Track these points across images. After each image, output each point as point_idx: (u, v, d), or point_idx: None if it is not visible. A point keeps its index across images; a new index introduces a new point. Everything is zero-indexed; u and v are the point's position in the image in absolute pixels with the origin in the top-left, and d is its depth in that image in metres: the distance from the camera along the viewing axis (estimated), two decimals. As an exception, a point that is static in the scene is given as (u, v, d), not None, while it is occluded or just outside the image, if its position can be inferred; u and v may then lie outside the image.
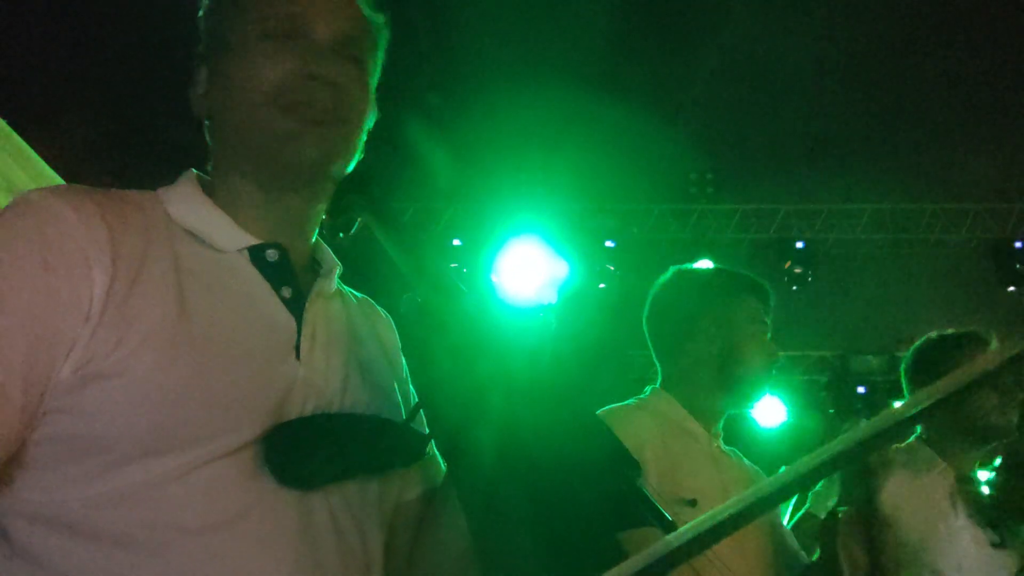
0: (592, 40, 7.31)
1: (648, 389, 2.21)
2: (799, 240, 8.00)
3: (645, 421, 2.04)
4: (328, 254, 1.21)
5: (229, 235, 1.07)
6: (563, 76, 7.53)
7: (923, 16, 6.65)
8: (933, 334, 2.65)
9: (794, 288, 7.91)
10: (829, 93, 7.31)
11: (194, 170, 1.16)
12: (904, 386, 2.71)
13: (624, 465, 0.85)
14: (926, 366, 2.62)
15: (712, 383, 2.12)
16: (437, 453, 1.00)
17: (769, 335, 2.17)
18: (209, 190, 1.12)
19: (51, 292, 0.90)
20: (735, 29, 6.87)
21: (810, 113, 7.40)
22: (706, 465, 2.03)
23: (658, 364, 2.24)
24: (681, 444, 2.04)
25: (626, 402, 2.15)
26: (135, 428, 0.88)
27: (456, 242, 8.05)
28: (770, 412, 8.13)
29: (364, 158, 1.18)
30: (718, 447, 2.12)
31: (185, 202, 1.09)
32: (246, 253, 1.07)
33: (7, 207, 0.97)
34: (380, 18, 1.19)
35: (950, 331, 2.63)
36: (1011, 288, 7.89)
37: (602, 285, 8.18)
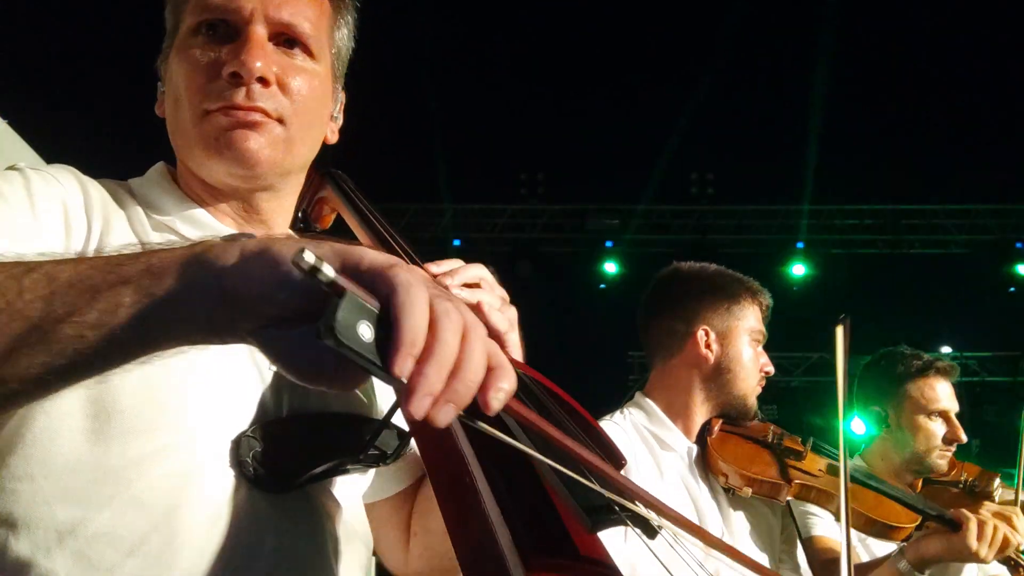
0: (594, 42, 7.31)
1: (635, 393, 2.17)
2: (799, 240, 8.00)
3: (618, 439, 1.96)
4: None
5: (200, 224, 1.05)
6: (565, 77, 7.54)
7: (925, 17, 6.65)
8: (885, 348, 2.66)
9: (795, 289, 7.90)
10: (830, 94, 7.31)
11: (164, 163, 1.14)
12: (854, 392, 2.71)
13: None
14: (870, 379, 2.65)
15: (698, 392, 2.08)
16: (417, 448, 0.98)
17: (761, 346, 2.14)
18: (179, 181, 1.11)
19: (32, 227, 0.91)
20: (736, 30, 6.87)
21: (811, 114, 7.40)
22: (679, 481, 2.00)
23: (649, 362, 2.21)
24: (656, 461, 2.00)
25: (608, 416, 2.09)
26: (76, 409, 0.87)
27: (456, 244, 8.05)
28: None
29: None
30: (695, 458, 2.07)
31: (157, 192, 1.08)
32: None
33: None
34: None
35: (902, 347, 2.64)
36: (1011, 288, 7.89)
37: (602, 285, 8.18)
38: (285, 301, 0.63)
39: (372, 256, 0.64)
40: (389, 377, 0.59)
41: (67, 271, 0.68)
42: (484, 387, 0.63)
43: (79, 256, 0.71)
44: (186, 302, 0.65)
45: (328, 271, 0.59)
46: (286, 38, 1.05)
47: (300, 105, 1.05)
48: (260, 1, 1.03)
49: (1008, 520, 2.10)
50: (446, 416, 0.61)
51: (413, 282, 0.62)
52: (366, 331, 0.59)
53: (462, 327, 0.63)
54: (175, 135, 1.08)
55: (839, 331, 1.86)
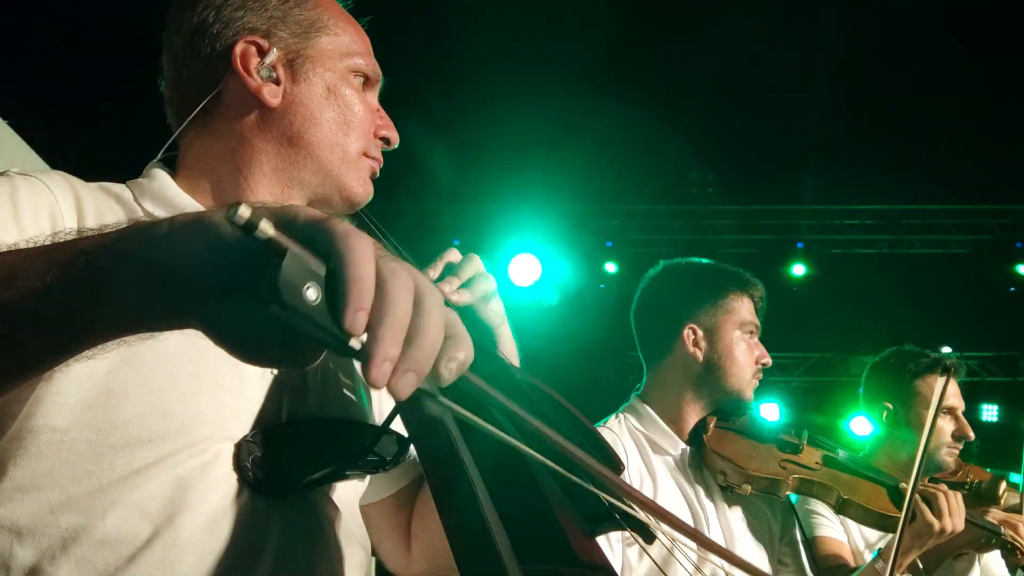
0: (593, 43, 7.31)
1: (631, 396, 2.17)
2: (799, 241, 8.00)
3: (617, 445, 1.97)
4: None
5: None
6: (565, 78, 7.54)
7: (924, 16, 6.65)
8: (892, 348, 2.68)
9: (795, 289, 7.90)
10: (830, 94, 7.31)
11: (159, 162, 1.14)
12: (861, 391, 2.74)
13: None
14: (878, 378, 2.66)
15: (689, 391, 2.06)
16: (416, 453, 0.99)
17: (759, 336, 2.12)
18: (181, 180, 1.11)
19: (15, 238, 0.88)
20: (736, 30, 6.87)
21: (811, 114, 7.40)
22: (673, 483, 2.00)
23: (643, 364, 2.20)
24: (650, 464, 1.99)
25: (604, 420, 2.10)
26: (80, 419, 0.87)
27: (456, 243, 8.05)
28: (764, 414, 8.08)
29: None
30: (690, 458, 2.06)
31: (159, 193, 1.08)
32: None
33: None
34: None
35: (908, 346, 2.66)
36: (1011, 288, 7.89)
37: (602, 286, 8.17)
38: (221, 267, 0.58)
39: (308, 210, 0.60)
40: (342, 345, 0.54)
41: None
42: (437, 356, 0.59)
43: (7, 248, 0.68)
44: (117, 283, 0.61)
45: (266, 227, 0.53)
46: None
47: None
48: None
49: (1015, 527, 2.11)
50: (408, 385, 0.57)
51: (355, 232, 0.57)
52: (312, 293, 0.54)
53: (412, 287, 0.58)
54: (289, 139, 1.12)
55: (940, 380, 1.88)
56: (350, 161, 1.14)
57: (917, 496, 2.03)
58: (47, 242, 0.67)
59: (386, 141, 1.20)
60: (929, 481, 2.39)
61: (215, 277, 0.58)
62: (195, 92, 1.12)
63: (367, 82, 1.18)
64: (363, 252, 0.56)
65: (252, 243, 0.53)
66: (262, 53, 1.10)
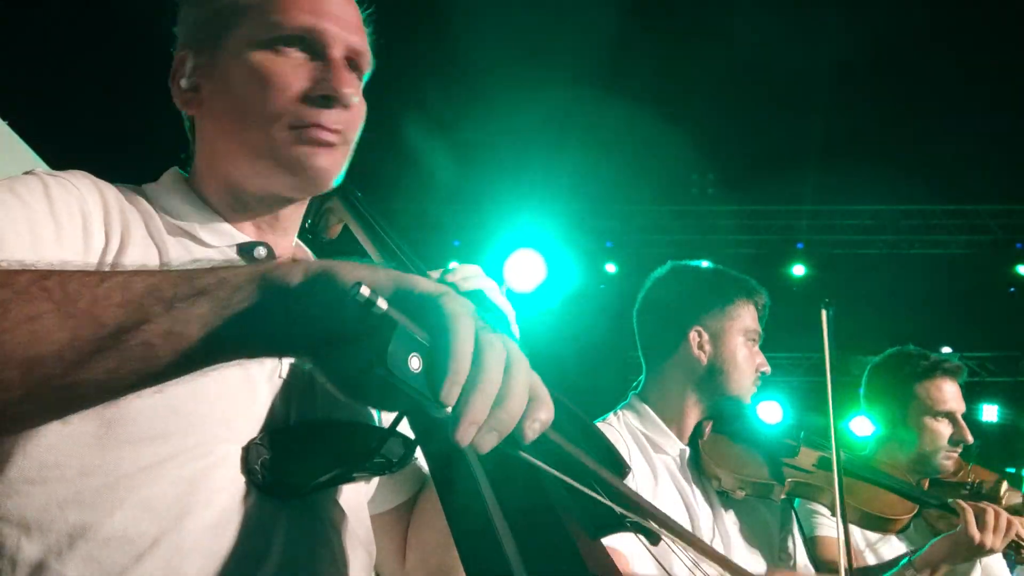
0: (594, 43, 7.32)
1: (629, 395, 2.17)
2: (800, 241, 8.00)
3: (619, 443, 1.95)
4: (308, 255, 1.20)
5: (218, 231, 1.07)
6: (564, 78, 7.53)
7: (925, 17, 6.65)
8: (893, 349, 2.68)
9: (795, 289, 7.90)
10: (830, 95, 7.31)
11: (177, 168, 1.16)
12: (862, 392, 2.75)
13: (612, 469, 0.86)
14: (879, 378, 2.67)
15: (691, 393, 2.06)
16: (423, 456, 0.99)
17: (760, 343, 2.12)
18: (195, 188, 1.12)
19: (54, 234, 0.91)
20: (736, 31, 6.87)
21: (811, 114, 7.40)
22: (671, 483, 1.99)
23: (643, 363, 2.20)
24: (650, 463, 2.00)
25: (603, 418, 2.09)
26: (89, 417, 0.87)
27: (456, 244, 8.04)
28: (766, 413, 8.06)
29: (360, 160, 1.17)
30: (688, 460, 2.05)
31: (174, 198, 1.08)
32: (235, 250, 1.07)
33: (13, 177, 0.97)
34: (371, 26, 1.17)
35: (910, 347, 2.66)
36: (1011, 288, 7.90)
37: (602, 286, 8.17)
38: (341, 325, 0.66)
39: (424, 284, 0.68)
40: (435, 406, 0.63)
41: (141, 280, 0.70)
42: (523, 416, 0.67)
43: (151, 267, 0.74)
44: (254, 318, 0.68)
45: (382, 304, 0.63)
46: (353, 62, 1.09)
47: (357, 126, 1.09)
48: (337, 24, 1.06)
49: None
50: (489, 443, 0.65)
51: (461, 313, 0.65)
52: (415, 362, 0.63)
53: (504, 358, 0.66)
54: (223, 139, 1.08)
55: (823, 315, 1.89)
56: (279, 143, 1.02)
57: (966, 507, 2.02)
58: (183, 267, 0.73)
59: (326, 101, 1.03)
60: (931, 484, 2.39)
61: (335, 330, 0.67)
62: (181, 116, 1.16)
63: (291, 47, 1.05)
64: (465, 332, 0.65)
65: (370, 317, 0.63)
66: (185, 64, 1.10)
